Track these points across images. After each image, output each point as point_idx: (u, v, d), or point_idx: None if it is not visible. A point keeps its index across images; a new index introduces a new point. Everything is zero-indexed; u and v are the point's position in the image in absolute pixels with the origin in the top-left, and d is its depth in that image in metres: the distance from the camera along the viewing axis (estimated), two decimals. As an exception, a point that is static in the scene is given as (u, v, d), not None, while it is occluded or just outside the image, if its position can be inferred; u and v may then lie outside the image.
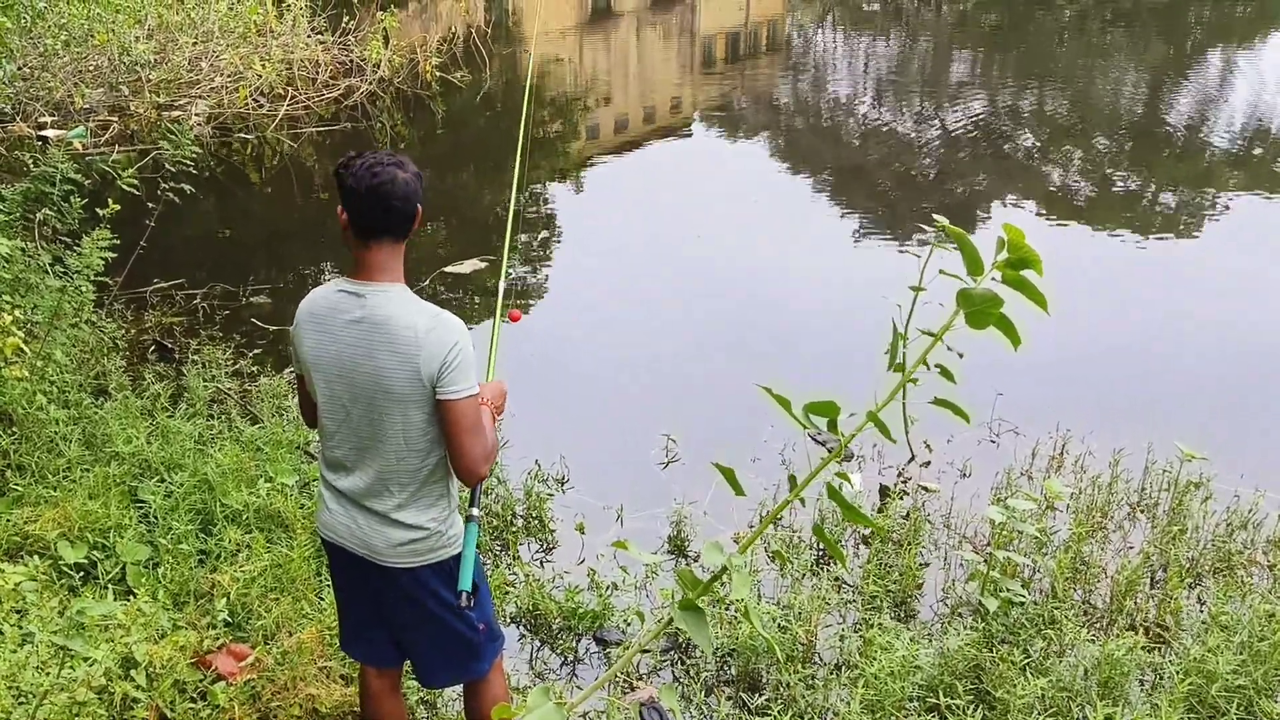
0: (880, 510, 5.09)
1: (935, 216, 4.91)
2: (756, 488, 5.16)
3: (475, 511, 2.84)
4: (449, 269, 8.02)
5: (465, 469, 2.72)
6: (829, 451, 5.74)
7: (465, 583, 2.76)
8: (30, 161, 5.92)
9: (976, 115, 12.98)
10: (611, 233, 9.30)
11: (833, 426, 3.39)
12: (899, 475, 5.51)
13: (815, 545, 4.78)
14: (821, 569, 4.63)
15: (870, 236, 9.22)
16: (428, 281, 7.78)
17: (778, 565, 4.64)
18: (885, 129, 12.83)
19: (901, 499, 5.22)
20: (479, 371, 2.76)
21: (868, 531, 4.91)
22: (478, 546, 2.88)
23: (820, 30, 19.96)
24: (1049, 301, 2.16)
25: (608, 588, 4.54)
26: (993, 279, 2.26)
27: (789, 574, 4.56)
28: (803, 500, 4.94)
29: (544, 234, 9.28)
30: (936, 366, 2.48)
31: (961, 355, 3.04)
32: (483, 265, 8.12)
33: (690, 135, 12.92)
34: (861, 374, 6.31)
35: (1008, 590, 4.21)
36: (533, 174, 11.18)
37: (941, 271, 4.46)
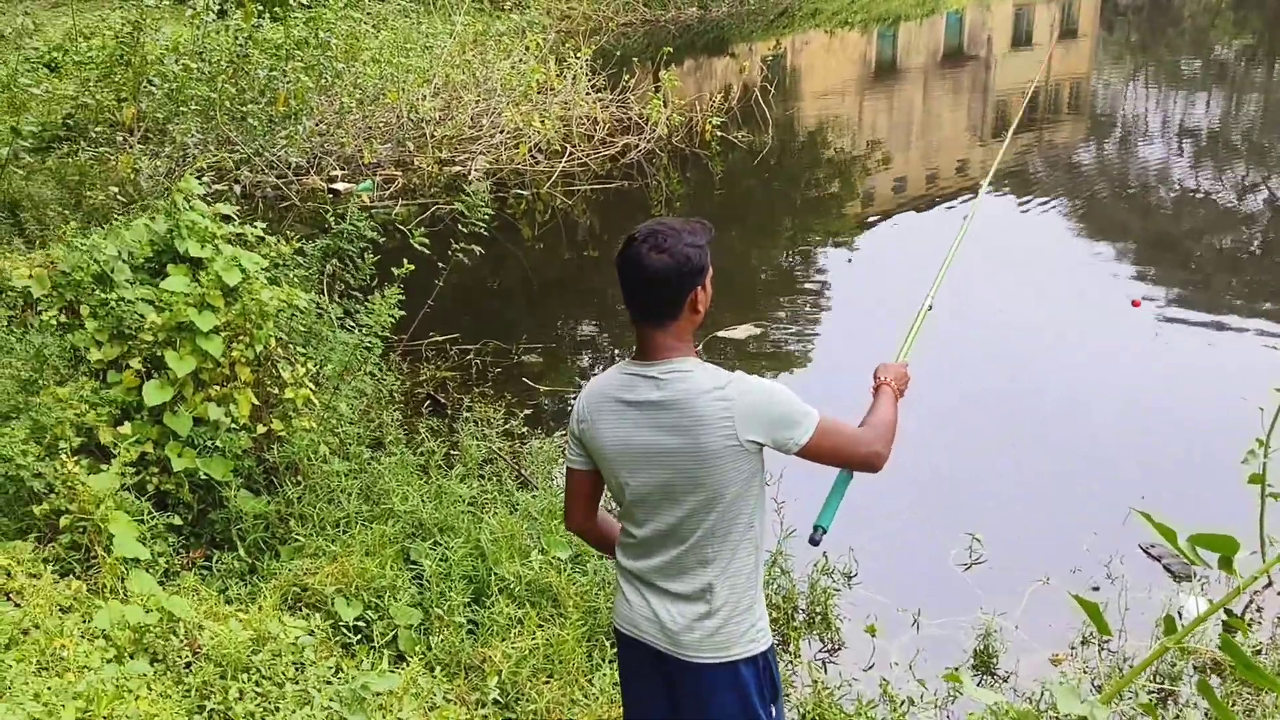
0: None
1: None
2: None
3: None
4: (721, 334, 7.75)
5: (867, 469, 2.72)
6: (1168, 570, 5.02)
7: (824, 519, 2.76)
8: (332, 219, 6.06)
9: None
10: (890, 298, 8.77)
11: (1226, 565, 2.81)
12: (1250, 603, 4.71)
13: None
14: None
15: (1188, 325, 8.23)
16: (699, 345, 7.53)
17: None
18: (1202, 198, 11.71)
19: (1253, 631, 4.44)
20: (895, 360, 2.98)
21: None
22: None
23: (1131, 89, 18.65)
24: None
25: (902, 703, 4.05)
26: None
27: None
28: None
29: (814, 298, 8.89)
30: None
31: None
32: (756, 331, 7.82)
33: (976, 198, 12.20)
34: (1197, 481, 5.64)
35: None
36: (804, 235, 10.85)
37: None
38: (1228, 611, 4.61)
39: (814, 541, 2.74)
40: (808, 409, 2.54)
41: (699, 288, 2.53)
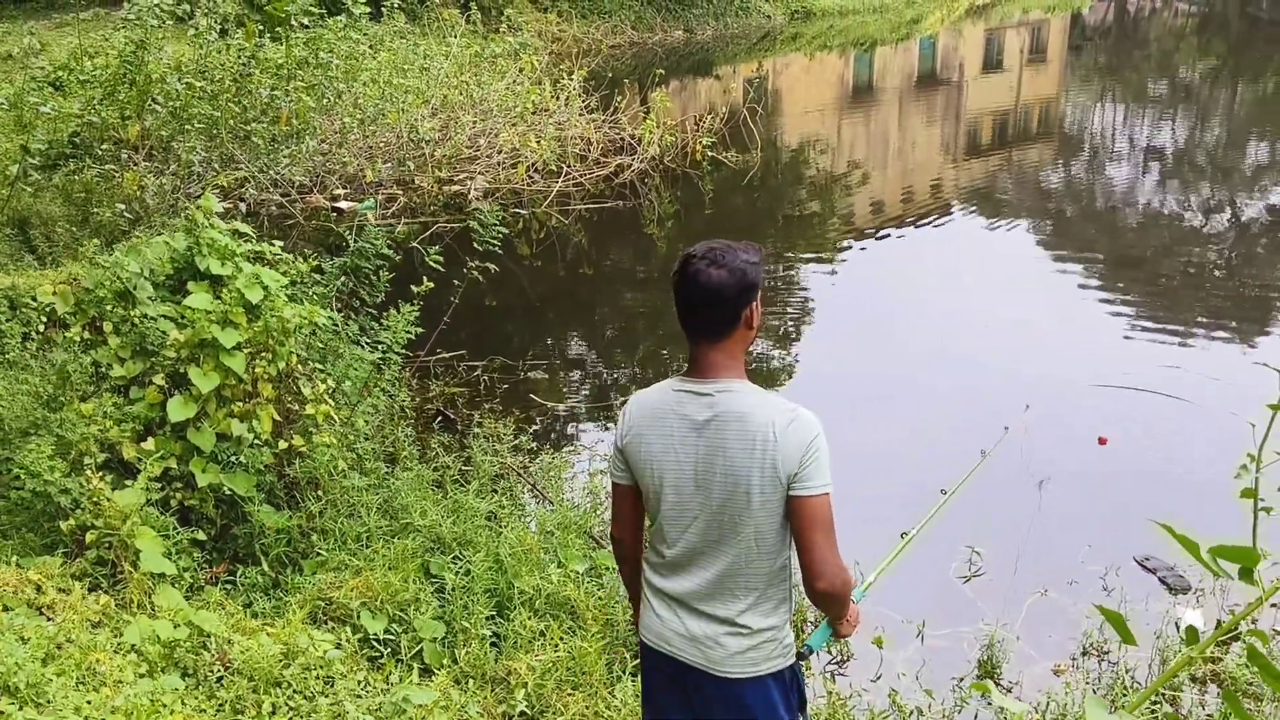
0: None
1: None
2: (1076, 615, 4.69)
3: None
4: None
5: (813, 571, 2.52)
6: (1163, 583, 5.17)
7: (814, 642, 2.86)
8: (348, 237, 6.18)
9: (1276, 204, 11.96)
10: (879, 318, 8.98)
11: (1246, 576, 2.96)
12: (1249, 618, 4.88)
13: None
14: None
15: (1151, 333, 8.47)
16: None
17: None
18: (1168, 217, 12.01)
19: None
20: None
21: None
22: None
23: (1099, 111, 19.05)
24: None
25: (911, 713, 4.19)
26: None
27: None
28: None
29: (797, 317, 9.05)
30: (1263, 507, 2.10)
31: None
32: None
33: (950, 218, 12.47)
34: (1186, 494, 5.79)
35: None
36: (789, 252, 11.05)
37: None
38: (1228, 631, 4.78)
39: (801, 657, 2.80)
40: (829, 479, 2.54)
41: (754, 303, 2.58)
